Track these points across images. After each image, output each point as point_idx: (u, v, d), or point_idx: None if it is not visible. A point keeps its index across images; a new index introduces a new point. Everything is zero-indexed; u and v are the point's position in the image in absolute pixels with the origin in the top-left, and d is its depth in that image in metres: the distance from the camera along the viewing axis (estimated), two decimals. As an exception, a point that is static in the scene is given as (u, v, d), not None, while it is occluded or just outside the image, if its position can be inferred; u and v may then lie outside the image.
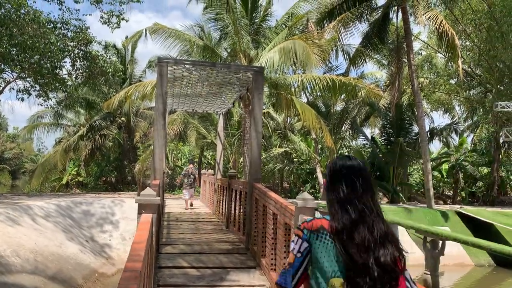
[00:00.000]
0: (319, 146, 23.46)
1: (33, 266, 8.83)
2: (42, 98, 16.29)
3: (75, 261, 10.56)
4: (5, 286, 7.41)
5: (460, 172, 26.21)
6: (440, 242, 11.29)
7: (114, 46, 25.35)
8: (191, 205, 13.77)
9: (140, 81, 24.35)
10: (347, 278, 1.75)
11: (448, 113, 29.94)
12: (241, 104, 15.63)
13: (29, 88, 16.09)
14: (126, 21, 15.46)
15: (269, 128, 25.10)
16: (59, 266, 9.66)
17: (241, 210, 8.20)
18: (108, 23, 15.18)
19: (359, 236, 1.79)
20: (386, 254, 1.77)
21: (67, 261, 10.18)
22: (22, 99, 16.15)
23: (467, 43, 22.48)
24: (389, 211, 15.22)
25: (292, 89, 17.44)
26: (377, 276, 1.74)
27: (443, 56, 24.81)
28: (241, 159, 20.17)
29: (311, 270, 1.86)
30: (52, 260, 9.65)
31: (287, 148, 25.13)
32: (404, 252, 1.84)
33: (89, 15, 36.67)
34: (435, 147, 32.67)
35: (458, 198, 26.54)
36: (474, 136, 30.30)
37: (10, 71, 15.68)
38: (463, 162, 25.47)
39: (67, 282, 9.25)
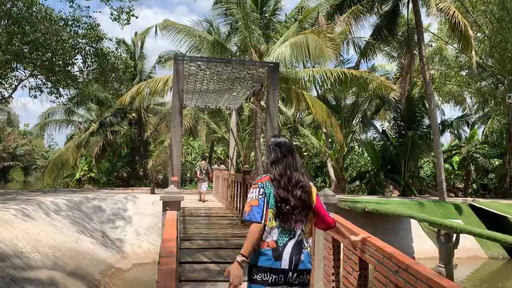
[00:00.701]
0: (330, 140, 23.43)
1: (53, 262, 8.97)
2: (54, 95, 16.45)
3: (92, 256, 10.70)
4: (27, 281, 7.54)
5: (471, 164, 26.04)
6: (454, 235, 11.26)
7: (124, 42, 25.47)
8: (202, 199, 14.11)
9: (150, 77, 24.47)
10: (277, 207, 2.93)
11: (459, 105, 29.71)
12: (252, 99, 15.65)
13: (41, 86, 16.26)
14: (136, 18, 15.53)
15: (279, 123, 25.12)
16: (77, 261, 9.80)
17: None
18: (118, 20, 15.25)
19: (282, 183, 2.99)
20: (299, 192, 2.99)
21: (84, 257, 10.33)
22: (35, 96, 16.34)
23: (478, 34, 22.26)
24: (401, 204, 15.21)
25: (303, 83, 17.39)
26: (294, 204, 2.95)
27: (453, 48, 24.62)
28: (252, 154, 20.22)
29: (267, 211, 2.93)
30: (70, 256, 9.79)
31: (297, 142, 25.13)
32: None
33: (99, 11, 36.61)
34: (446, 139, 32.46)
35: (470, 190, 26.39)
36: (485, 127, 30.04)
37: (22, 69, 15.85)
38: (474, 154, 25.28)
39: (85, 277, 9.39)
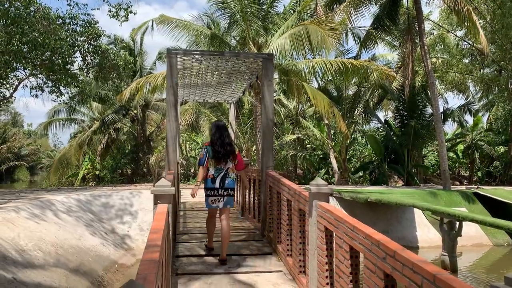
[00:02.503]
0: (332, 131, 23.35)
1: (55, 259, 9.02)
2: (55, 94, 16.48)
3: (95, 253, 10.75)
4: (29, 278, 7.59)
5: (476, 152, 25.89)
6: (457, 223, 11.21)
7: (122, 41, 25.43)
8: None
9: (150, 73, 24.44)
10: (213, 156, 5.83)
11: (462, 93, 29.48)
12: (252, 93, 15.61)
13: (42, 85, 16.29)
14: (134, 14, 15.49)
15: (281, 115, 25.04)
16: (80, 258, 9.85)
17: (256, 198, 8.26)
18: (116, 17, 15.23)
19: (217, 144, 5.83)
20: (227, 148, 5.86)
21: (87, 253, 10.38)
22: (36, 96, 16.37)
23: (480, 21, 22.03)
24: (404, 193, 15.14)
25: (303, 75, 17.31)
26: (223, 153, 5.83)
27: (455, 36, 24.38)
28: (254, 147, 20.20)
29: (208, 160, 5.86)
30: (72, 253, 9.84)
31: (300, 135, 25.06)
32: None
33: (97, 9, 36.62)
34: (450, 128, 32.27)
35: (475, 178, 26.25)
36: (489, 115, 29.82)
37: (22, 69, 15.88)
38: (479, 142, 25.13)
39: (88, 273, 9.44)
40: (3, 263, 7.63)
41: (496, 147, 25.47)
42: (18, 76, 16.21)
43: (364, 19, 42.45)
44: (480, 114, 29.39)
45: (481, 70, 25.20)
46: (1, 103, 17.61)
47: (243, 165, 6.18)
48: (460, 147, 27.41)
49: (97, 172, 27.90)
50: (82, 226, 11.84)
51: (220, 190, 5.83)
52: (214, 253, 6.22)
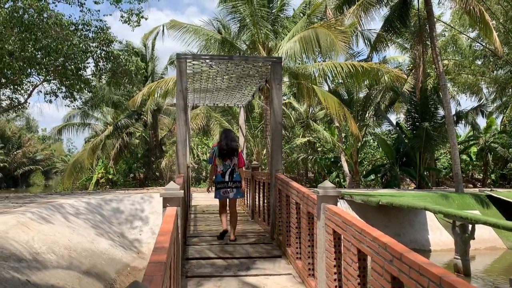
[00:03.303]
0: (343, 134, 23.26)
1: (68, 262, 9.14)
2: (68, 99, 16.72)
3: (108, 256, 10.85)
4: (42, 281, 7.71)
5: (489, 154, 25.56)
6: (470, 226, 11.09)
7: (133, 48, 25.67)
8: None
9: (162, 78, 24.65)
10: (220, 155, 7.05)
11: (475, 95, 29.13)
12: (262, 96, 15.64)
13: (56, 90, 16.53)
14: (146, 19, 15.67)
15: (292, 119, 25.03)
16: (93, 261, 9.96)
17: (265, 201, 8.28)
18: (128, 22, 15.41)
19: (223, 143, 7.02)
20: (231, 146, 7.01)
21: (99, 257, 10.48)
22: (50, 101, 16.62)
23: (493, 22, 21.80)
24: (417, 196, 15.02)
25: (313, 78, 17.30)
26: (228, 151, 7.01)
27: (467, 37, 24.15)
28: (264, 151, 20.22)
29: (216, 159, 7.13)
30: (85, 256, 9.95)
31: (311, 138, 25.02)
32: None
33: (110, 15, 37.00)
34: (463, 130, 31.89)
35: (488, 181, 25.92)
36: (503, 116, 29.42)
37: (36, 75, 16.14)
38: (492, 144, 24.82)
39: (101, 276, 9.53)
40: (18, 265, 7.76)
41: (510, 149, 25.13)
42: (32, 82, 16.49)
43: (375, 22, 42.41)
44: (493, 116, 28.98)
45: (494, 72, 24.92)
46: (16, 108, 17.90)
47: (242, 163, 7.17)
48: (473, 149, 27.10)
49: (110, 176, 28.15)
50: (94, 229, 11.96)
51: (229, 183, 6.99)
52: (226, 241, 7.21)
